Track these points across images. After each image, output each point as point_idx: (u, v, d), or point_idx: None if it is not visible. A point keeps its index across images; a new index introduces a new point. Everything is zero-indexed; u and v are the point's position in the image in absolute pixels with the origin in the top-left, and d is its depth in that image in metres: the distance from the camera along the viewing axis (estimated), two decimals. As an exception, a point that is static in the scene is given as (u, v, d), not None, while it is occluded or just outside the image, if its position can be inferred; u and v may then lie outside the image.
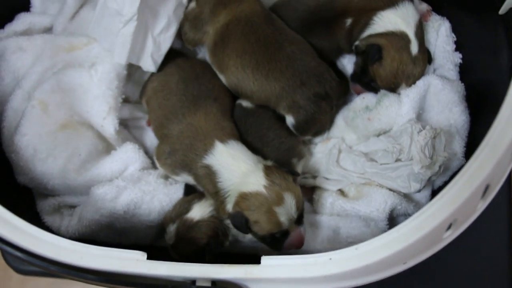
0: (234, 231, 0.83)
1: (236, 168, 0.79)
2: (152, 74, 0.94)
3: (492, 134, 0.62)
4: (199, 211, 0.82)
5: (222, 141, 0.81)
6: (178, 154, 0.83)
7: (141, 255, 0.63)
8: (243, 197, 0.77)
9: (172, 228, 0.81)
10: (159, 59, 0.90)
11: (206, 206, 0.83)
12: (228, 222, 0.82)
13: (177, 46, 0.99)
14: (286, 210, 0.76)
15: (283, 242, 0.77)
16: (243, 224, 0.76)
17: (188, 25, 0.93)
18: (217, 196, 0.80)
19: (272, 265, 0.62)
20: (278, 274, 0.62)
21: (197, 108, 0.85)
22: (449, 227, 0.64)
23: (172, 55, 0.93)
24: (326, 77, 0.89)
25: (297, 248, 0.78)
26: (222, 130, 0.84)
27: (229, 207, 0.78)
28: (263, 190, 0.76)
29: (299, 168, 0.90)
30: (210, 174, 0.80)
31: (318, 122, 0.91)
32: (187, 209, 0.82)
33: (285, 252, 0.77)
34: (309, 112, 0.88)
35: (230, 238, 0.85)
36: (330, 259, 0.60)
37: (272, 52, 0.88)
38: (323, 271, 0.60)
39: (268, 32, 0.89)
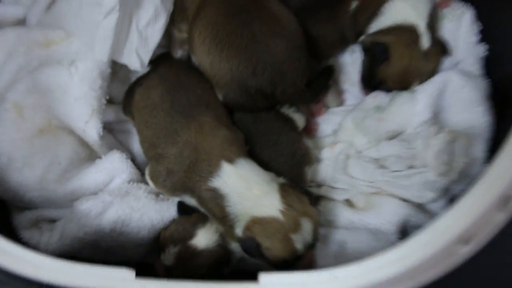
0: (240, 253, 0.85)
1: (248, 191, 0.80)
2: (133, 84, 0.95)
3: None
4: (205, 238, 0.85)
5: (230, 161, 0.82)
6: (177, 176, 0.85)
7: (129, 273, 0.65)
8: (255, 221, 0.79)
9: (172, 251, 0.84)
10: (146, 56, 0.92)
11: (212, 233, 0.85)
12: (234, 246, 0.85)
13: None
14: (303, 237, 0.79)
15: (294, 264, 0.80)
16: (255, 250, 0.79)
17: (174, 13, 0.96)
18: (225, 220, 0.82)
19: (271, 283, 0.65)
20: (276, 293, 0.64)
21: (189, 121, 0.86)
22: (466, 242, 0.66)
23: (154, 63, 0.95)
24: (285, 78, 0.89)
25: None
26: (227, 145, 0.84)
27: (239, 231, 0.80)
28: (279, 216, 0.78)
29: (309, 176, 0.93)
30: (217, 198, 0.82)
31: (246, 108, 0.93)
32: (191, 235, 0.85)
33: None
34: (239, 102, 0.90)
35: (233, 263, 0.88)
36: (335, 276, 0.63)
37: (236, 26, 0.88)
38: (326, 289, 0.63)
39: (242, 2, 0.90)
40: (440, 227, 0.64)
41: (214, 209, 0.83)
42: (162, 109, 0.88)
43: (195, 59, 0.94)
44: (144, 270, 0.67)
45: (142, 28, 0.91)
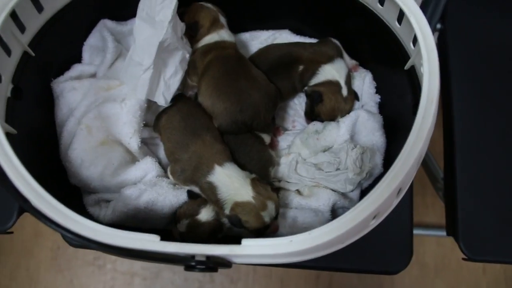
0: (228, 224, 0.80)
1: (231, 185, 0.75)
2: (160, 113, 0.90)
3: (403, 153, 0.61)
4: (205, 214, 0.79)
5: (220, 164, 0.77)
6: (187, 173, 0.80)
7: (155, 237, 0.60)
8: (237, 204, 0.74)
9: (184, 222, 0.78)
10: (169, 96, 0.86)
11: (210, 211, 0.79)
12: (225, 220, 0.79)
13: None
14: (269, 213, 0.74)
15: (264, 232, 0.76)
16: (238, 223, 0.74)
17: (189, 69, 0.91)
18: (217, 203, 0.76)
19: (249, 245, 0.59)
20: (253, 252, 0.59)
21: (196, 138, 0.80)
22: (374, 217, 0.63)
23: (174, 100, 0.90)
24: (259, 115, 0.84)
25: (274, 233, 0.78)
26: (219, 154, 0.79)
27: (227, 211, 0.75)
28: (252, 200, 0.74)
29: (272, 174, 0.87)
30: (212, 188, 0.76)
31: (232, 133, 0.86)
32: (197, 212, 0.79)
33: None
34: (230, 129, 0.85)
35: (224, 231, 0.82)
36: (291, 241, 0.58)
37: (229, 80, 0.84)
38: (285, 249, 0.58)
39: (234, 66, 0.86)
40: (360, 208, 0.59)
41: (210, 196, 0.77)
42: (179, 130, 0.83)
43: (200, 99, 0.88)
44: (165, 235, 0.61)
45: (167, 79, 0.85)
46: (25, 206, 0.61)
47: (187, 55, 0.88)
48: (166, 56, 0.84)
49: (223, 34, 0.91)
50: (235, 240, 0.61)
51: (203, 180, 0.78)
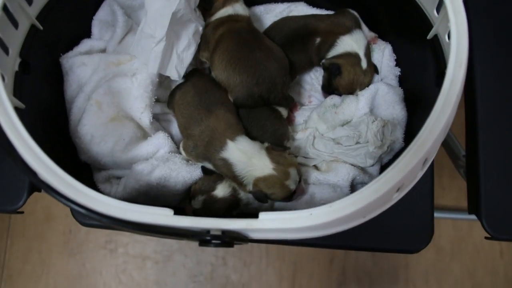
0: (245, 200, 0.80)
1: (246, 160, 0.73)
2: (174, 89, 0.88)
3: (430, 120, 0.57)
4: (221, 190, 0.77)
5: (232, 139, 0.75)
6: (200, 149, 0.78)
7: (169, 212, 0.58)
8: (259, 179, 0.73)
9: (200, 199, 0.77)
10: (182, 70, 0.84)
11: (227, 186, 0.78)
12: (242, 195, 0.79)
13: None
14: (293, 180, 0.73)
15: (292, 197, 0.75)
16: (264, 198, 0.73)
17: (200, 44, 0.88)
18: (235, 179, 0.75)
19: (267, 219, 0.57)
20: (271, 226, 0.57)
21: (210, 113, 0.78)
22: (397, 190, 0.60)
23: (189, 75, 0.89)
24: (276, 88, 0.82)
25: (302, 195, 0.78)
26: (231, 128, 0.77)
27: (250, 187, 0.74)
28: (273, 173, 0.72)
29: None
30: (227, 165, 0.75)
31: (248, 107, 0.85)
32: (213, 188, 0.77)
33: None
34: (246, 103, 0.83)
35: (240, 207, 0.81)
36: (311, 214, 0.55)
37: (244, 53, 0.82)
38: (305, 223, 0.55)
39: (248, 38, 0.84)
40: (384, 179, 0.56)
41: (226, 172, 0.76)
42: (193, 105, 0.82)
43: (214, 74, 0.86)
44: (178, 212, 0.59)
45: (180, 53, 0.83)
46: (33, 179, 0.59)
47: (200, 28, 0.86)
48: (178, 28, 0.82)
49: (237, 8, 0.88)
50: (251, 216, 0.58)
51: (216, 156, 0.76)
